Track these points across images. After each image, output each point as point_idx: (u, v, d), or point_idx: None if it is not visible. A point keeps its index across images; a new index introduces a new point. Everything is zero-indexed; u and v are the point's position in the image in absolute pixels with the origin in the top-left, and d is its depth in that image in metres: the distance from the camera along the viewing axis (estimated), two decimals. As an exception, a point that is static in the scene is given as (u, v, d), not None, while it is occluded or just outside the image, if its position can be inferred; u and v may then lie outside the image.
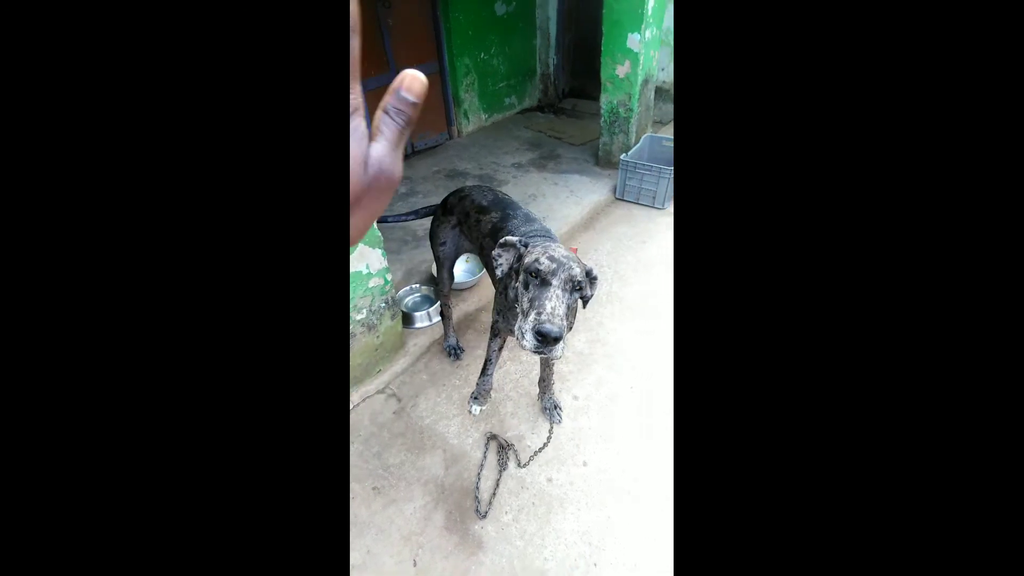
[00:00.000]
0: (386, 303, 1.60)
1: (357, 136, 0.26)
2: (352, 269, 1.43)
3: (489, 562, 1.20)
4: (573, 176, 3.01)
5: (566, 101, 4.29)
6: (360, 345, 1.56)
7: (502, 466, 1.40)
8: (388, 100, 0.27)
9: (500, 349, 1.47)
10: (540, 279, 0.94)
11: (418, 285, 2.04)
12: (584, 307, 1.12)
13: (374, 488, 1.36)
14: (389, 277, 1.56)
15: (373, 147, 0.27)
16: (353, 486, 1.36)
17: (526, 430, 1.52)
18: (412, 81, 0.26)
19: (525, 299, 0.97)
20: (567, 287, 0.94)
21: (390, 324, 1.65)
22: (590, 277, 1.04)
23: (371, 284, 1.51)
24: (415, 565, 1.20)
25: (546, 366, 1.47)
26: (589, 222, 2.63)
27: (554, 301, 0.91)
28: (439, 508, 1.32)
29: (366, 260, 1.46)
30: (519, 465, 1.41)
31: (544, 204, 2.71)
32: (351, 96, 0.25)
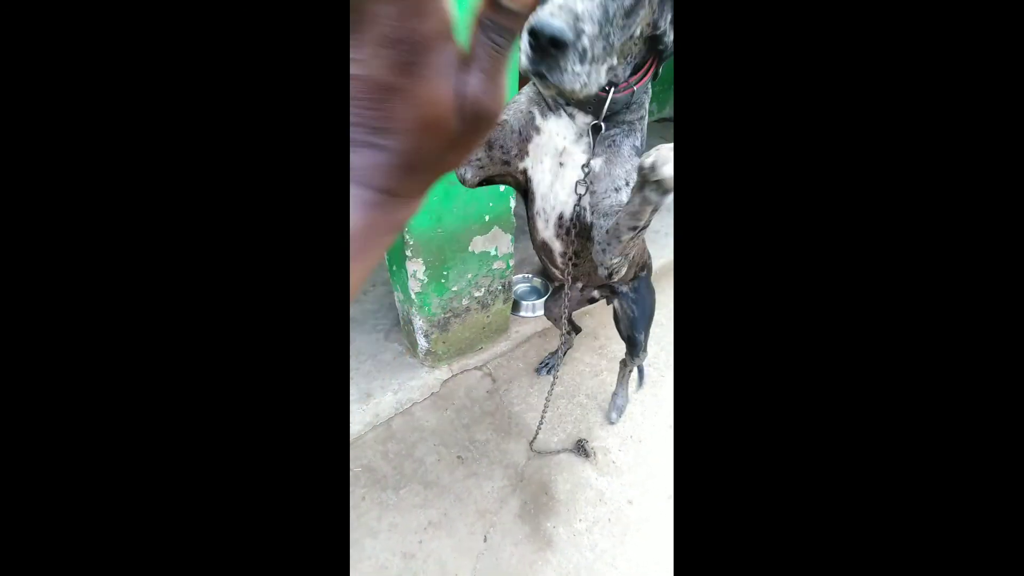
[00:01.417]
0: (502, 286, 1.65)
1: (444, 67, 0.20)
2: (482, 249, 1.49)
3: (556, 563, 1.20)
4: (705, 194, 2.84)
5: (710, 113, 4.04)
6: (471, 320, 1.64)
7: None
8: (484, 10, 0.20)
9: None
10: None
11: (530, 275, 2.08)
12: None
13: (458, 457, 1.43)
14: (512, 263, 1.61)
15: (467, 80, 0.21)
16: (440, 450, 1.44)
17: (613, 444, 1.48)
18: None
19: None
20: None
21: (501, 307, 1.70)
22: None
23: (495, 266, 1.57)
24: (485, 541, 1.24)
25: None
26: (714, 245, 2.46)
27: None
28: (515, 494, 1.34)
29: (496, 242, 1.51)
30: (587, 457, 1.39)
31: (668, 216, 2.59)
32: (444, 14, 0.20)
